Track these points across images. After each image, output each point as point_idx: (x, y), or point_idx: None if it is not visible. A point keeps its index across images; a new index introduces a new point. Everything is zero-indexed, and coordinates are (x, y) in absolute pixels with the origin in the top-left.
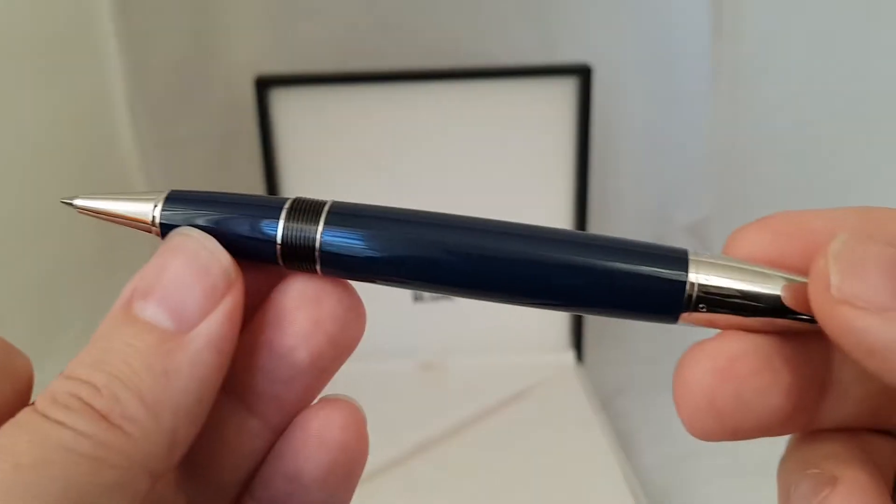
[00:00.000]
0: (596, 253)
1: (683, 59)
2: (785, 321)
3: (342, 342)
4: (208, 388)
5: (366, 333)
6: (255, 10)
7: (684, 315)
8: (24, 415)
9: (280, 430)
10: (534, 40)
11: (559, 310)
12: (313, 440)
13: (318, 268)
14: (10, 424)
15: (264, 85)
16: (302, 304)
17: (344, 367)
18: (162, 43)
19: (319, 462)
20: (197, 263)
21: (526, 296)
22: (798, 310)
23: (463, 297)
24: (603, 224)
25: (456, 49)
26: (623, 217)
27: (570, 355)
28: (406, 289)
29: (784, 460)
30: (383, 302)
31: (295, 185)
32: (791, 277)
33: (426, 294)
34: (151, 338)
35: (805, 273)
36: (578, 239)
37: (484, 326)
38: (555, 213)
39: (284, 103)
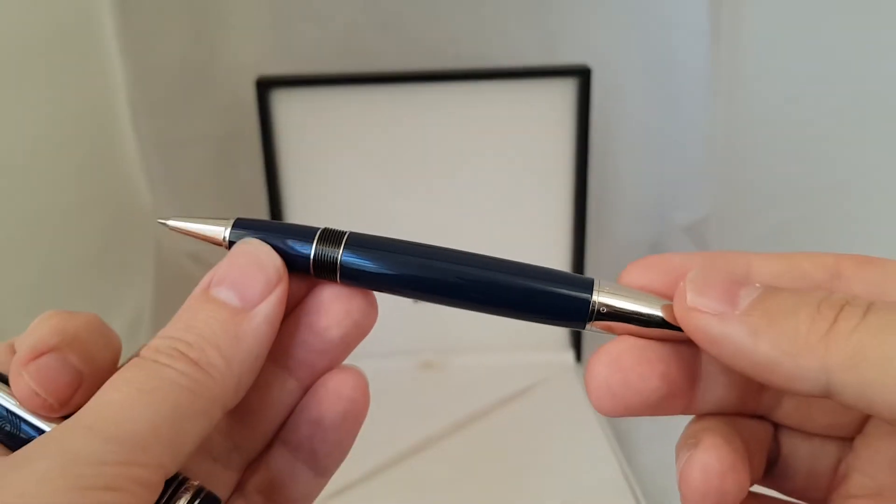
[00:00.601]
0: (533, 278)
1: (683, 60)
2: (661, 330)
3: (363, 326)
4: (263, 349)
5: None
6: (256, 11)
7: (590, 324)
8: (137, 360)
9: (309, 387)
10: (534, 41)
11: (507, 316)
12: (332, 394)
13: (337, 278)
14: (129, 366)
15: (265, 86)
16: (337, 299)
17: None
18: (163, 44)
19: (336, 410)
20: (258, 262)
21: (482, 304)
22: (672, 323)
23: (438, 303)
24: (603, 224)
25: (456, 50)
26: (623, 217)
27: (570, 355)
28: (400, 296)
29: (679, 441)
30: (384, 302)
31: (295, 186)
32: (663, 301)
33: None
34: (226, 312)
35: (668, 296)
36: (524, 269)
37: (484, 326)
38: (554, 213)
39: (285, 104)
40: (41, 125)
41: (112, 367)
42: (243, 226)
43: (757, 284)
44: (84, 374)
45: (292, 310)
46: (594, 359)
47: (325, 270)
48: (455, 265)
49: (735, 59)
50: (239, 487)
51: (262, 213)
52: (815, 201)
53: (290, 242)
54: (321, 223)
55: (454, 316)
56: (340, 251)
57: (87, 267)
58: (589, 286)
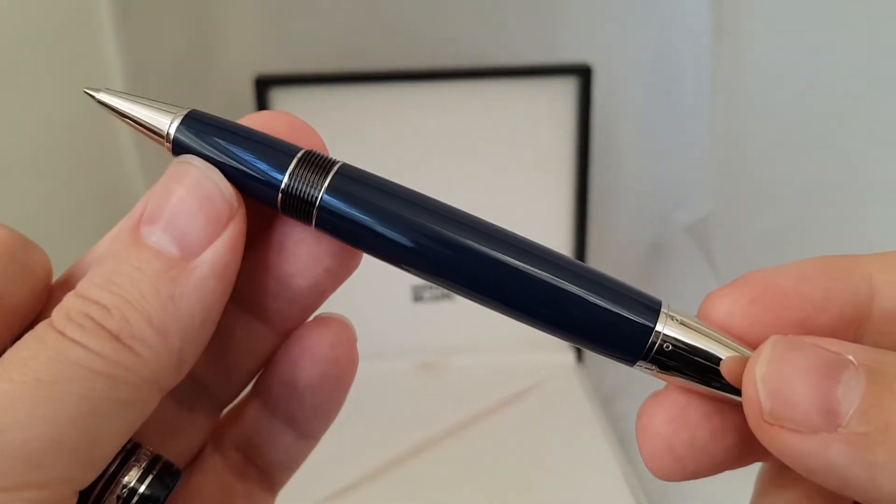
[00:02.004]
0: (583, 282)
1: (683, 59)
2: (724, 394)
3: (339, 273)
4: (212, 312)
5: (366, 333)
6: (254, 9)
7: (639, 363)
8: (41, 329)
9: (284, 334)
10: (534, 40)
11: (530, 324)
12: (306, 353)
13: (312, 222)
14: (30, 338)
15: (264, 84)
16: (301, 241)
17: None
18: (161, 42)
19: (311, 373)
20: (201, 193)
21: (506, 305)
22: (733, 385)
23: (447, 288)
24: (603, 224)
25: (456, 49)
26: (623, 216)
27: (570, 355)
28: (395, 267)
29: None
30: (383, 302)
31: None
32: (742, 350)
33: (426, 294)
34: (158, 264)
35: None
36: (570, 265)
37: (484, 326)
38: (555, 213)
39: (284, 103)
40: (38, 124)
41: (35, 307)
42: (197, 121)
43: (852, 361)
44: None
45: (251, 244)
46: (648, 412)
47: (297, 210)
48: (486, 246)
49: (736, 58)
50: (215, 440)
51: None
52: (815, 200)
53: (258, 163)
54: None
55: (454, 316)
56: (322, 189)
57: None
58: (654, 310)
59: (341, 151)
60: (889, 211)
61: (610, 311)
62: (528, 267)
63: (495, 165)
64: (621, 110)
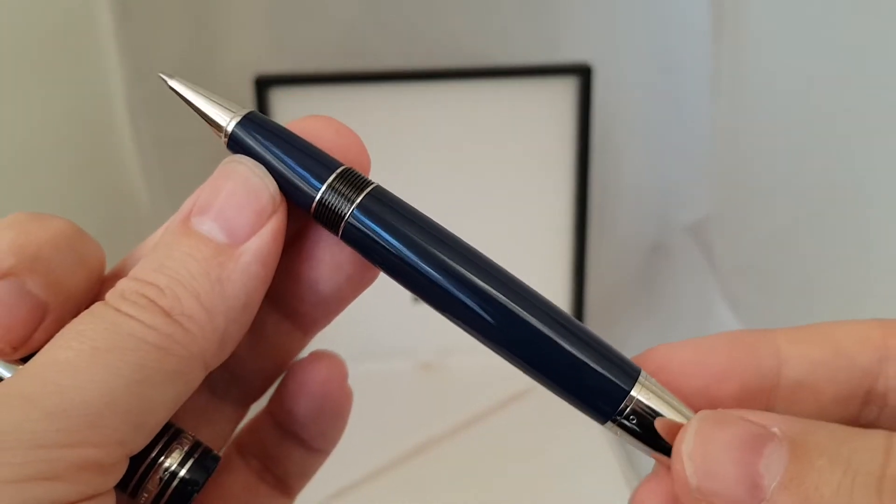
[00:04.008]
0: (577, 339)
1: (683, 59)
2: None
3: (360, 282)
4: (254, 296)
5: (366, 333)
6: (254, 9)
7: (611, 421)
8: (97, 307)
9: (309, 335)
10: (534, 40)
11: (517, 367)
12: (301, 389)
13: (339, 234)
14: (86, 314)
15: (264, 84)
16: (328, 247)
17: None
18: (161, 42)
19: (308, 405)
20: (248, 187)
21: (501, 345)
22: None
23: (450, 320)
24: (603, 224)
25: (456, 49)
26: (624, 216)
27: None
28: (405, 287)
29: None
30: (383, 302)
31: None
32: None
33: None
34: (207, 249)
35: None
36: (568, 323)
37: None
38: (555, 213)
39: (284, 103)
40: (38, 124)
41: (89, 294)
42: (255, 122)
43: (776, 432)
44: (49, 305)
45: (284, 248)
46: (640, 499)
47: (328, 220)
48: (492, 288)
49: (736, 57)
50: (237, 447)
51: None
52: (816, 201)
53: (301, 169)
54: None
55: None
56: (353, 205)
57: None
58: (632, 375)
59: None
60: (889, 211)
61: (599, 372)
62: (527, 316)
63: (495, 165)
64: (621, 110)
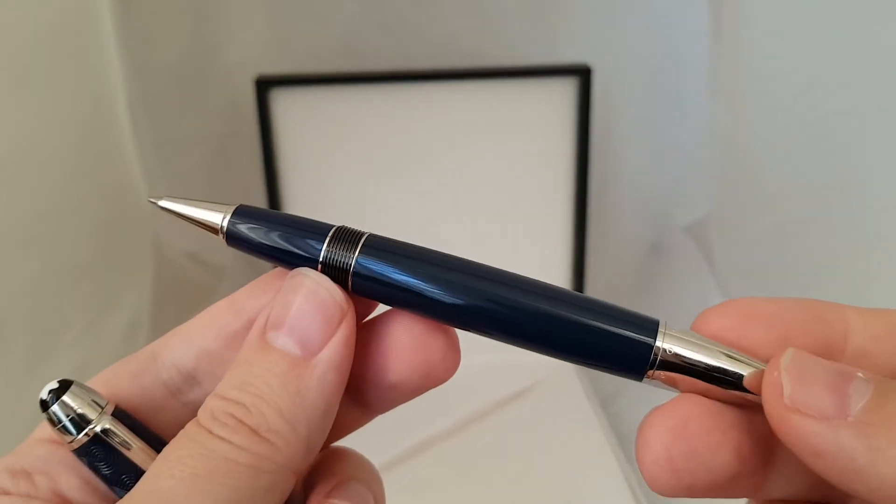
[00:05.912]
0: (585, 312)
1: (683, 60)
2: (738, 393)
3: (436, 379)
4: (332, 402)
5: None
6: (255, 10)
7: (649, 373)
8: (192, 429)
9: (374, 415)
10: (534, 40)
11: (545, 353)
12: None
13: (349, 288)
14: (184, 438)
15: (264, 85)
16: (415, 342)
17: None
18: (162, 43)
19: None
20: (316, 299)
21: (519, 338)
22: (753, 391)
23: (466, 331)
24: (603, 224)
25: (456, 49)
26: (623, 216)
27: None
28: (418, 313)
29: None
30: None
31: (294, 185)
32: (748, 361)
33: None
34: (284, 363)
35: (755, 351)
36: (573, 299)
37: None
38: (555, 212)
39: (284, 103)
40: (39, 124)
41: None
42: (245, 214)
43: (860, 374)
44: None
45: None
46: (651, 422)
47: (336, 278)
48: (495, 288)
49: (735, 58)
50: None
51: None
52: (815, 201)
53: (297, 240)
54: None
55: None
56: (354, 255)
57: (85, 267)
58: (653, 328)
59: (341, 151)
60: (889, 211)
61: (614, 333)
62: (542, 305)
63: (495, 165)
64: (621, 110)
